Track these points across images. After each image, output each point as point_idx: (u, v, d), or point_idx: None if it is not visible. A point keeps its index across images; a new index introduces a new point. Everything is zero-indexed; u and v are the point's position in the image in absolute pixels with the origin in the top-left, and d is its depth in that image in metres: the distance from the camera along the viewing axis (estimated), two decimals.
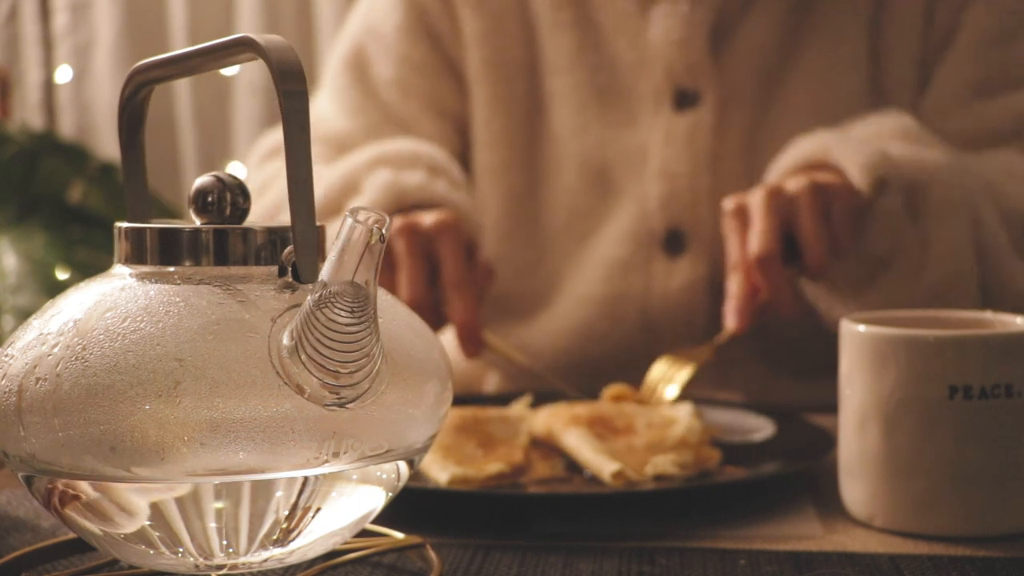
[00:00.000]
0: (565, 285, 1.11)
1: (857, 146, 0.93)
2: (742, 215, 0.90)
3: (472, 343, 0.92)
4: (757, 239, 0.87)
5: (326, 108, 1.16)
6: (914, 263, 0.92)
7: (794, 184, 0.89)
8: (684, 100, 1.06)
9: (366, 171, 1.01)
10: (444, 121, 1.14)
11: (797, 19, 1.07)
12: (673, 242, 1.06)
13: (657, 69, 1.06)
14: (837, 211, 0.89)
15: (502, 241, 1.12)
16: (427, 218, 0.93)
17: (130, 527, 0.48)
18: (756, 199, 0.89)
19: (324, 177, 1.03)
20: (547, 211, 1.12)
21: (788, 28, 1.07)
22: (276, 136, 1.13)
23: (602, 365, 1.07)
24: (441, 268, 0.91)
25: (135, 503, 0.47)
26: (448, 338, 1.10)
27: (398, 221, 0.92)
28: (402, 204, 0.97)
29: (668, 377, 0.90)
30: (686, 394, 0.89)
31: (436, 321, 0.92)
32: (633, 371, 1.01)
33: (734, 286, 0.90)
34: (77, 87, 2.28)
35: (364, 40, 1.16)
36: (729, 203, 0.91)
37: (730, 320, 0.89)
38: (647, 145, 1.07)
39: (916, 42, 1.07)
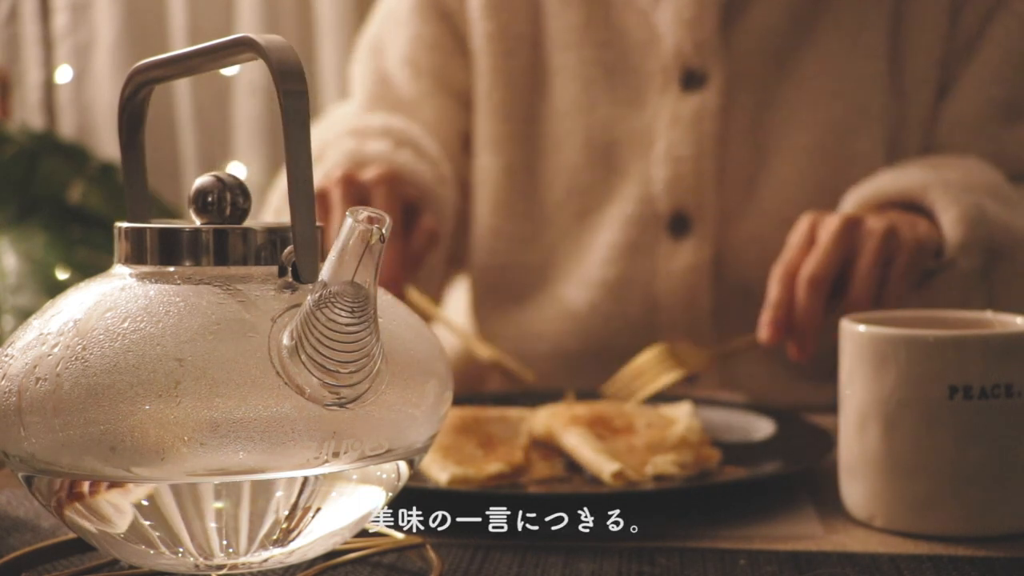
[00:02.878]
0: (566, 267, 1.12)
1: (957, 194, 0.91)
2: (813, 231, 0.89)
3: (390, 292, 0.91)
4: (815, 260, 0.87)
5: (348, 106, 1.20)
6: None
7: (871, 223, 0.89)
8: (691, 81, 1.07)
9: (334, 142, 1.04)
10: (452, 100, 1.16)
11: (811, 2, 1.07)
12: (678, 225, 1.07)
13: (666, 48, 1.07)
14: (898, 263, 0.88)
15: (498, 213, 1.13)
16: (367, 172, 0.95)
17: (129, 527, 0.48)
18: (831, 224, 0.88)
19: None
20: (545, 186, 1.12)
21: (802, 10, 1.07)
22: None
23: (604, 348, 1.08)
24: None
25: (134, 503, 0.47)
26: (451, 338, 1.10)
27: (339, 172, 0.94)
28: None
29: (649, 377, 0.90)
30: (686, 395, 0.89)
31: None
32: (635, 353, 1.01)
33: (774, 293, 0.88)
34: (77, 87, 2.28)
35: (382, 27, 1.20)
36: (808, 217, 0.90)
37: (763, 331, 0.88)
38: (653, 126, 1.08)
39: (939, 41, 1.06)
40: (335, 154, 1.01)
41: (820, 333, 0.87)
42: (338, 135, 1.05)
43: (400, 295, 0.92)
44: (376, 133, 1.04)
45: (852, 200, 0.97)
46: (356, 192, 0.92)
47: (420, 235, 0.96)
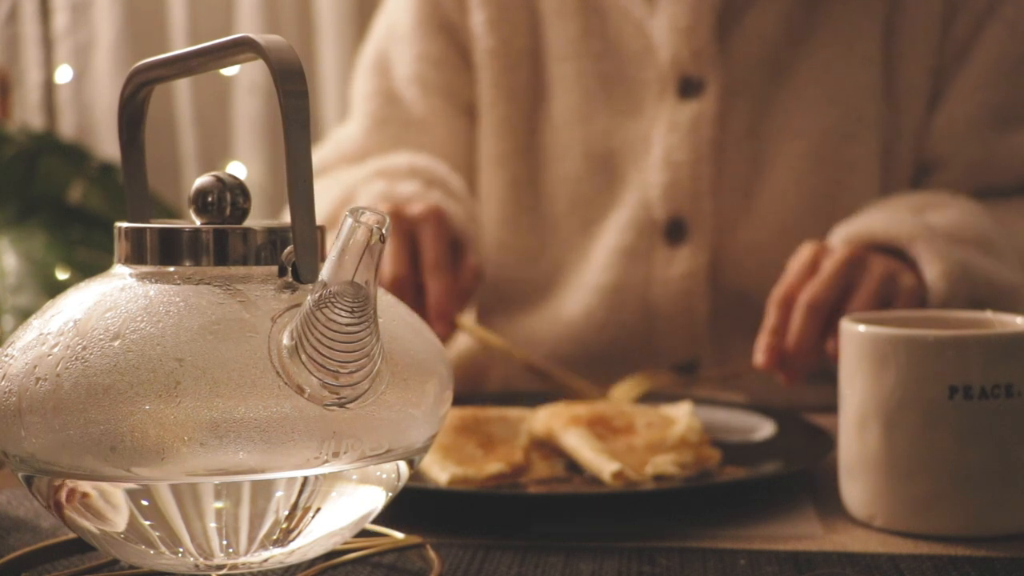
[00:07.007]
0: (569, 275, 1.12)
1: (941, 248, 0.91)
2: (816, 260, 0.90)
3: (443, 325, 0.93)
4: (815, 286, 0.87)
5: (352, 126, 1.19)
6: None
7: (875, 263, 0.89)
8: (688, 88, 1.07)
9: (363, 184, 1.04)
10: (462, 116, 1.16)
11: (806, 11, 1.08)
12: (674, 231, 1.07)
13: (662, 57, 1.07)
14: (898, 307, 0.88)
15: (504, 228, 1.13)
16: (414, 207, 0.96)
17: (129, 527, 0.48)
18: (835, 256, 0.88)
19: (325, 193, 1.07)
20: (549, 199, 1.13)
21: (796, 19, 1.07)
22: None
23: (602, 354, 1.08)
24: (421, 252, 0.94)
25: (134, 503, 0.47)
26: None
27: (385, 206, 0.96)
28: None
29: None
30: (687, 394, 0.89)
31: (416, 303, 0.93)
32: (632, 361, 1.01)
33: (771, 319, 0.88)
34: (77, 87, 2.28)
35: (384, 43, 1.19)
36: (811, 246, 0.91)
37: (759, 355, 0.88)
38: (651, 134, 1.08)
39: (931, 49, 1.07)
40: (367, 196, 1.02)
41: (812, 362, 0.87)
42: (366, 177, 1.05)
43: (452, 327, 0.94)
44: (404, 173, 1.05)
45: (840, 236, 0.96)
46: (405, 227, 0.94)
47: (468, 273, 0.97)
